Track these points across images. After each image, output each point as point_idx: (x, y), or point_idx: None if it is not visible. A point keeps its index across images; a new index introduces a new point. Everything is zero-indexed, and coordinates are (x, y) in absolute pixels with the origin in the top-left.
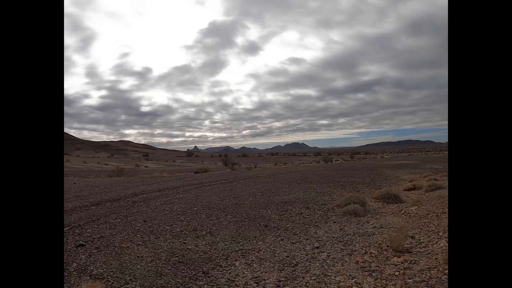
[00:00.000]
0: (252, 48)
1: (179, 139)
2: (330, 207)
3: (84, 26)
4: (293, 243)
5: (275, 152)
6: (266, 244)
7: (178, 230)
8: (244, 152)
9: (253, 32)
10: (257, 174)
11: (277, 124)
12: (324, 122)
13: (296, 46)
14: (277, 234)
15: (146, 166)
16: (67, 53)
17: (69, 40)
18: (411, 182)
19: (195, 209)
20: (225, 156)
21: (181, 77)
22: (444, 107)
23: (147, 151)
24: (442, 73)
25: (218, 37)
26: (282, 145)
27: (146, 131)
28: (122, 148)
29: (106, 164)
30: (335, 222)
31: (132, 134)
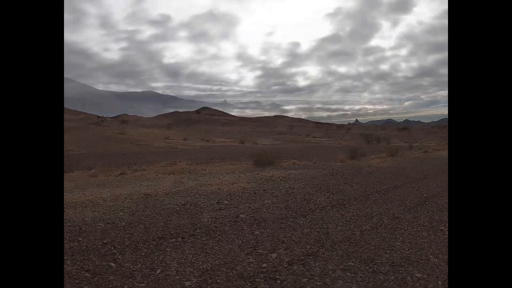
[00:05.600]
0: (402, 4)
1: (339, 113)
2: None
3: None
4: None
5: (443, 125)
6: None
7: None
8: (407, 125)
9: None
10: None
11: (443, 93)
12: None
13: None
14: None
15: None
16: (215, 41)
17: (215, 29)
18: None
19: None
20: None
21: (331, 48)
22: None
23: (297, 124)
24: None
25: None
26: None
27: (305, 106)
28: (271, 122)
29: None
30: None
31: (292, 110)
